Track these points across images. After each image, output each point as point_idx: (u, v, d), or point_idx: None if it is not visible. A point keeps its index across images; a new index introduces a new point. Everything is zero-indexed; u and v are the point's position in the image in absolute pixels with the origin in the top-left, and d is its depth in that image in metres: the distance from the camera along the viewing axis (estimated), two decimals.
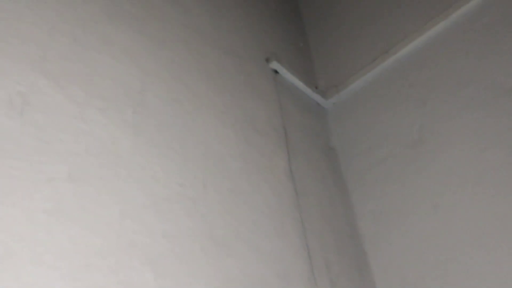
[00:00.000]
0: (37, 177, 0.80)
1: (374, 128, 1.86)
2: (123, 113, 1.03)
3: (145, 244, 0.90)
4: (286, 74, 1.90)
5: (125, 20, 1.23)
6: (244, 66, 1.71)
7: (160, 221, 0.96)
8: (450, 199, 1.54)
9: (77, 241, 0.78)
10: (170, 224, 0.97)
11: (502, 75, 1.59)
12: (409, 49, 1.89)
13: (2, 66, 0.86)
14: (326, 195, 1.63)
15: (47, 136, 0.85)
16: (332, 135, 1.96)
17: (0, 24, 0.89)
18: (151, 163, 1.02)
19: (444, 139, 1.63)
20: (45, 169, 0.81)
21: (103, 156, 0.92)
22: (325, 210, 1.56)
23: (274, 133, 1.59)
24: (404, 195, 1.64)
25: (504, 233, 1.38)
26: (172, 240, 0.95)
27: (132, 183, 0.95)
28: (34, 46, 0.93)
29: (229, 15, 1.81)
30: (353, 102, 1.99)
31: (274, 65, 1.86)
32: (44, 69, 0.92)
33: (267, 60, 1.87)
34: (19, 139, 0.81)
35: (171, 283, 0.89)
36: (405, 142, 1.72)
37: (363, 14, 2.16)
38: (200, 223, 1.04)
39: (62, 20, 1.03)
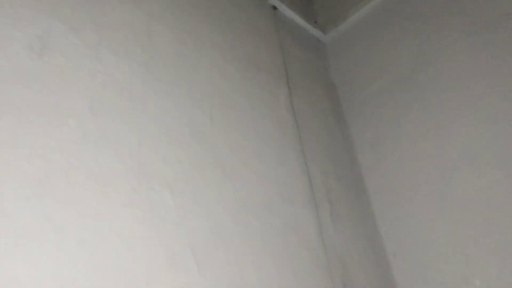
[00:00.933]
0: (62, 111, 0.89)
1: (372, 61, 1.93)
2: (134, 54, 1.11)
3: (162, 168, 1.01)
4: (285, 9, 1.94)
5: None
6: (244, 3, 1.75)
7: (173, 149, 1.07)
8: (442, 126, 1.63)
9: (103, 166, 0.89)
10: (182, 152, 1.08)
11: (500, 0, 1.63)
12: None
13: (20, 12, 0.93)
14: (326, 127, 1.73)
15: (67, 75, 0.94)
16: (331, 70, 2.03)
17: None
18: (161, 99, 1.12)
19: (439, 67, 1.70)
20: (69, 104, 0.91)
21: (119, 92, 1.02)
22: (325, 141, 1.67)
23: (275, 69, 1.67)
24: (399, 124, 1.74)
25: (499, 155, 1.48)
26: (185, 166, 1.07)
27: (146, 116, 1.05)
28: None
29: None
30: (351, 36, 2.04)
31: (273, 1, 1.90)
32: (59, 14, 0.99)
33: None
34: (42, 78, 0.90)
35: (186, 202, 1.01)
36: (402, 73, 1.80)
37: None
38: (209, 151, 1.15)
39: None
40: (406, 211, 1.58)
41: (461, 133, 1.57)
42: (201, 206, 1.05)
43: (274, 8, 1.91)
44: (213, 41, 1.47)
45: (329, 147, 1.67)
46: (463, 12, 1.70)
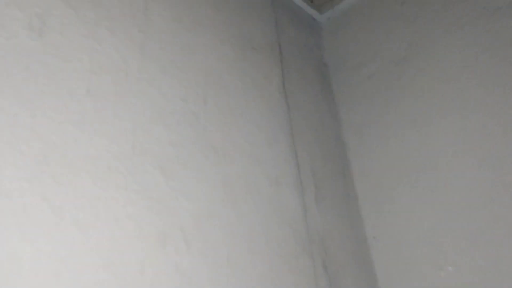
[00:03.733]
0: (60, 92, 0.91)
1: (365, 44, 1.95)
2: (130, 33, 1.12)
3: (155, 151, 1.04)
4: None
5: None
6: None
7: (167, 132, 1.09)
8: (429, 116, 1.68)
9: (99, 148, 0.92)
10: (176, 135, 1.11)
11: None
12: None
13: None
14: (316, 109, 1.76)
15: (65, 55, 0.95)
16: (325, 50, 2.05)
17: None
18: (157, 80, 1.13)
19: (430, 57, 1.73)
20: (67, 85, 0.93)
21: (115, 74, 1.03)
22: (314, 123, 1.70)
23: (270, 50, 1.68)
24: (388, 110, 1.78)
25: (481, 148, 1.53)
26: (178, 148, 1.10)
27: (141, 97, 1.07)
28: None
29: None
30: (347, 18, 2.05)
31: None
32: None
33: None
34: (41, 58, 0.91)
35: (178, 184, 1.05)
36: (393, 59, 1.82)
37: None
38: (202, 134, 1.18)
39: None
40: (388, 197, 1.64)
41: (447, 124, 1.62)
42: (192, 188, 1.09)
43: None
44: (209, 19, 1.47)
45: (318, 129, 1.71)
46: (458, 2, 1.72)
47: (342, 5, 2.05)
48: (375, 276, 1.56)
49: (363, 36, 1.96)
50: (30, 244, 0.77)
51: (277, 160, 1.44)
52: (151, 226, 0.94)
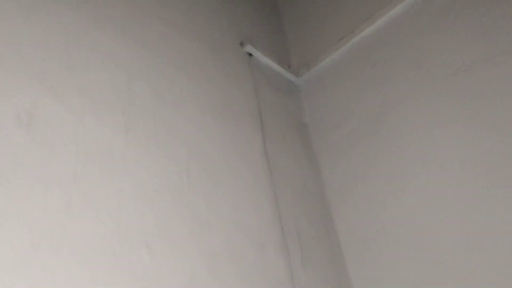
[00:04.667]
0: (48, 180, 0.96)
1: (342, 103, 2.04)
2: (114, 116, 1.19)
3: (140, 228, 1.08)
4: (260, 56, 2.05)
5: (109, 25, 1.36)
6: (220, 52, 1.85)
7: (151, 208, 1.14)
8: (407, 169, 1.74)
9: (85, 231, 0.96)
10: (160, 210, 1.15)
11: (451, 55, 1.77)
12: (372, 29, 2.05)
13: (9, 85, 1.00)
14: (298, 169, 1.83)
15: (52, 144, 1.01)
16: (304, 112, 2.14)
17: (1, 47, 1.02)
18: (141, 158, 1.19)
19: (401, 115, 1.83)
20: (54, 172, 0.98)
21: (101, 156, 1.09)
22: (297, 184, 1.76)
23: (250, 116, 1.76)
24: (367, 165, 1.84)
25: (460, 201, 1.59)
26: (162, 223, 1.14)
27: (126, 176, 1.13)
28: (33, 63, 1.07)
29: (204, 3, 1.93)
30: (323, 79, 2.16)
31: (248, 48, 2.01)
32: (46, 83, 1.06)
33: (241, 44, 2.00)
34: (29, 149, 0.97)
35: (163, 259, 1.08)
36: (369, 117, 1.91)
37: None
38: (186, 207, 1.23)
39: (54, 34, 1.16)
40: (373, 252, 1.68)
41: (424, 177, 1.68)
42: (178, 261, 1.12)
43: (250, 55, 2.02)
44: (190, 92, 1.55)
45: (301, 190, 1.77)
46: (421, 64, 1.84)
47: (318, 68, 2.17)
48: None
49: (339, 95, 2.07)
50: None
51: (262, 224, 1.48)
52: None
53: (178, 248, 1.14)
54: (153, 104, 1.36)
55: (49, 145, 1.00)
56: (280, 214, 1.58)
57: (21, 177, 0.92)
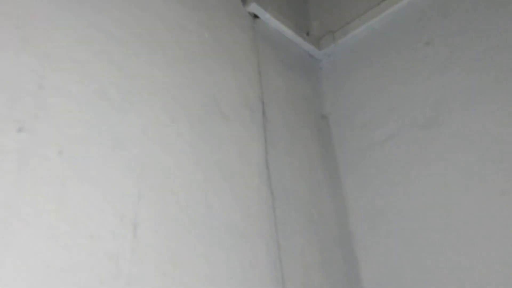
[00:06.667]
0: None
1: (377, 95, 1.47)
2: None
3: None
4: (269, 19, 1.46)
5: None
6: (214, 12, 1.27)
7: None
8: (463, 202, 1.21)
9: None
10: None
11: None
12: None
13: None
14: (312, 191, 1.29)
15: None
16: (325, 99, 1.57)
17: None
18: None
19: (465, 121, 1.27)
20: None
21: None
22: (310, 213, 1.24)
23: (248, 113, 1.21)
24: (409, 190, 1.31)
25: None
26: None
27: None
28: None
29: None
30: (354, 55, 1.57)
31: (253, 7, 1.41)
32: None
33: (244, 2, 1.41)
34: None
35: None
36: (416, 120, 1.35)
37: None
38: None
39: None
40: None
41: (486, 215, 1.16)
42: None
43: (255, 16, 1.43)
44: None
45: (315, 222, 1.25)
46: (502, 42, 1.25)
47: (348, 39, 1.58)
48: None
49: (374, 83, 1.49)
50: None
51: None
52: None
53: None
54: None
55: None
56: (281, 265, 1.07)
57: None
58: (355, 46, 1.57)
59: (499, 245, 1.12)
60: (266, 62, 1.39)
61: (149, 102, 0.95)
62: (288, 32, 1.52)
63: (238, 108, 1.19)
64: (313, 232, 1.21)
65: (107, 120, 0.85)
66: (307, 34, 1.62)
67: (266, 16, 1.44)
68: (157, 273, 0.78)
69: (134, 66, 0.96)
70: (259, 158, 1.16)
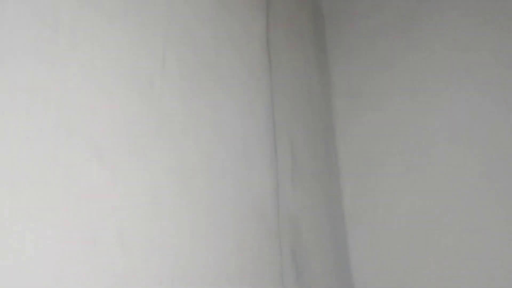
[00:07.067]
0: None
1: None
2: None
3: (90, 128, 0.84)
4: None
5: None
6: None
7: (108, 104, 0.88)
8: (431, 85, 1.46)
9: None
10: (119, 110, 0.90)
11: None
12: None
13: None
14: (303, 66, 1.53)
15: None
16: None
17: None
18: (106, 35, 0.90)
19: (441, 17, 1.48)
20: None
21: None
22: (299, 83, 1.49)
23: None
24: (386, 72, 1.55)
25: (481, 137, 1.35)
26: (121, 127, 0.89)
27: (76, 62, 0.85)
28: None
29: None
30: None
31: None
32: None
33: None
34: None
35: (119, 171, 0.86)
36: (403, 14, 1.56)
37: None
38: (155, 108, 0.97)
39: None
40: (374, 174, 1.48)
41: (448, 105, 1.41)
42: (139, 174, 0.90)
43: None
44: None
45: (304, 92, 1.50)
46: None
47: None
48: (348, 262, 1.43)
49: None
50: None
51: (250, 131, 1.25)
52: (85, 231, 0.77)
53: (140, 156, 0.91)
54: None
55: None
56: (274, 118, 1.34)
57: None
58: None
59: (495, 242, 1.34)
60: None
61: None
62: None
63: None
64: (301, 99, 1.47)
65: None
66: None
67: None
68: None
69: None
70: (260, 31, 1.38)
